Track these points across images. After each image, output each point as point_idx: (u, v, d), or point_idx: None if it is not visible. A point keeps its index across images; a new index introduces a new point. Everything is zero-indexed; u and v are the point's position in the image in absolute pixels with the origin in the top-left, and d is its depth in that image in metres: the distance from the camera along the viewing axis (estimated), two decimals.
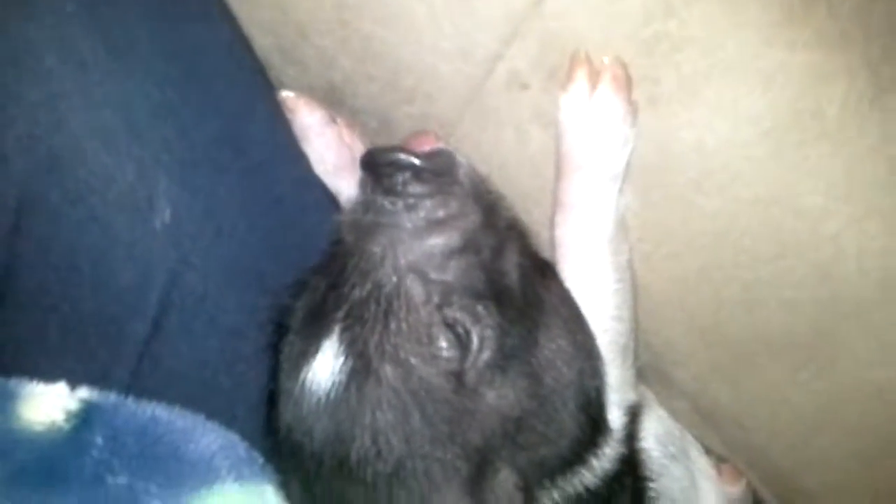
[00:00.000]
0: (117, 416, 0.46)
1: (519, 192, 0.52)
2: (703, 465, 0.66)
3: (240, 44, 0.53)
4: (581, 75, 0.47)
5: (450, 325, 0.44)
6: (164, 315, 0.48)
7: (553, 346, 0.49)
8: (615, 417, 0.53)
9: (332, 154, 0.57)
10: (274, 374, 0.48)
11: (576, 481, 0.51)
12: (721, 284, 0.53)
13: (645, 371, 0.61)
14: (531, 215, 0.53)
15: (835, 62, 0.45)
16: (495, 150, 0.52)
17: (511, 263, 0.48)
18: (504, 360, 0.46)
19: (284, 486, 0.49)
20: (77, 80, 0.45)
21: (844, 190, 0.48)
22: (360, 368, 0.44)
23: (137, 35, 0.46)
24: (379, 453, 0.43)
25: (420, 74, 0.51)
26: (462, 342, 0.44)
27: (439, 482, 0.44)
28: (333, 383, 0.44)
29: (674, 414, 0.64)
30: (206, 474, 0.46)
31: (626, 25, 0.46)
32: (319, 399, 0.44)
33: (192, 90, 0.48)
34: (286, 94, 0.56)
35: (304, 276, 0.48)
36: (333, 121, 0.57)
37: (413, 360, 0.44)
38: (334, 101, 0.55)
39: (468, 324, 0.44)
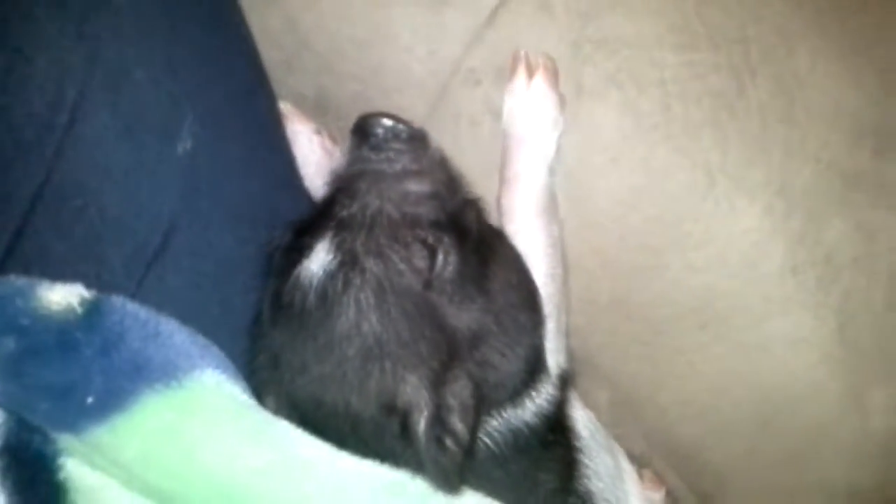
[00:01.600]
0: (126, 309, 0.52)
1: (473, 172, 0.65)
2: (627, 467, 0.74)
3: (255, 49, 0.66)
4: (521, 70, 0.61)
5: (420, 241, 0.55)
6: (173, 233, 0.55)
7: (504, 282, 0.59)
8: (551, 365, 0.62)
9: (315, 158, 0.69)
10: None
11: (517, 413, 0.60)
12: (635, 252, 0.65)
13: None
14: (483, 192, 0.65)
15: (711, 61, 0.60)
16: (455, 138, 0.65)
17: (469, 219, 0.60)
18: (462, 283, 0.55)
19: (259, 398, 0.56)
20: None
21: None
22: (347, 261, 0.53)
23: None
24: (359, 330, 0.53)
25: (396, 74, 0.64)
26: (429, 256, 0.55)
27: (406, 367, 0.53)
28: (324, 271, 0.53)
29: (597, 411, 0.73)
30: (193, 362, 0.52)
31: (556, 32, 0.61)
32: (310, 283, 0.54)
33: (225, 54, 0.60)
34: (284, 104, 0.69)
35: (295, 219, 0.60)
36: (319, 132, 0.70)
37: (392, 258, 0.53)
38: (323, 104, 0.68)
39: (434, 242, 0.55)
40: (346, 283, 0.53)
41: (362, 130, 0.58)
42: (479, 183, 0.63)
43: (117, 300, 0.53)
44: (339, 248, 0.54)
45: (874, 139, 0.60)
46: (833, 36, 0.59)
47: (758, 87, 0.60)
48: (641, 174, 0.62)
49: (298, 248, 0.56)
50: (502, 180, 0.63)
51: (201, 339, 0.53)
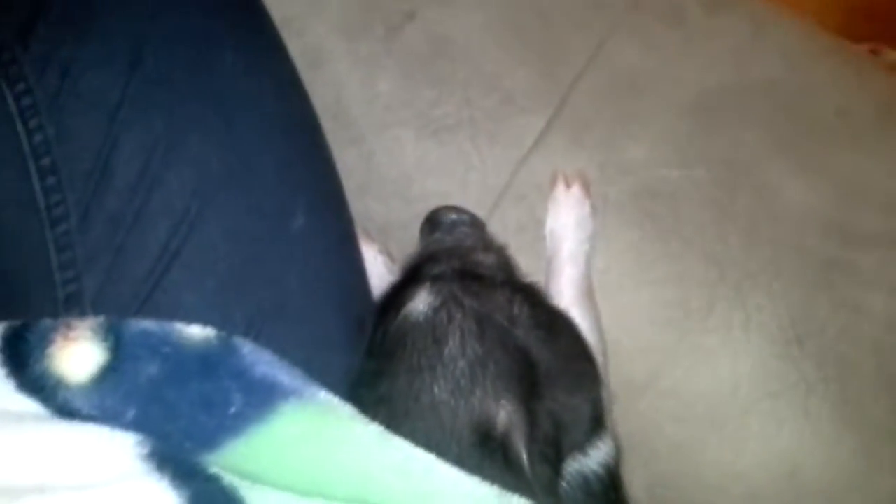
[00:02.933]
0: (252, 346, 0.58)
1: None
2: None
3: None
4: (560, 181, 0.76)
5: (505, 287, 0.66)
6: (288, 297, 0.65)
7: (567, 337, 0.69)
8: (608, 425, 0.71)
9: (377, 272, 0.79)
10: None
11: (584, 459, 0.67)
12: (662, 332, 0.76)
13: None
14: None
15: None
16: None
17: (531, 289, 0.71)
18: (537, 327, 0.66)
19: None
20: None
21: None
22: (448, 299, 0.63)
23: None
24: (463, 353, 0.61)
25: (454, 197, 0.78)
26: (507, 303, 0.65)
27: (505, 391, 0.61)
28: (430, 307, 0.63)
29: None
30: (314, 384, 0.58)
31: (586, 157, 0.77)
32: (418, 318, 0.63)
33: (325, 160, 0.72)
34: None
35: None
36: (383, 252, 0.81)
37: (484, 298, 0.64)
38: (387, 227, 0.81)
39: (509, 294, 0.66)
40: (451, 316, 0.63)
41: (433, 220, 0.72)
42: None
43: (243, 340, 0.60)
44: (439, 292, 0.64)
45: (839, 232, 0.76)
46: (796, 156, 0.78)
47: (744, 194, 0.77)
48: (662, 263, 0.76)
49: (395, 304, 0.66)
50: (550, 271, 0.75)
51: None
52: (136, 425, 0.55)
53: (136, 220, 0.62)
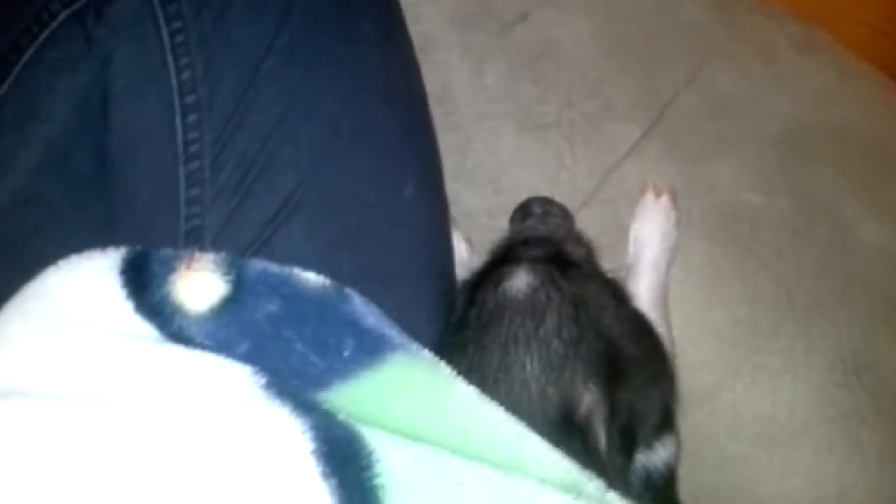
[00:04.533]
0: (361, 297, 0.60)
1: None
2: None
3: None
4: (650, 190, 0.79)
5: (600, 281, 0.69)
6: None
7: (644, 332, 0.72)
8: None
9: (458, 258, 0.83)
10: None
11: (651, 455, 0.70)
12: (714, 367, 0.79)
13: None
14: None
15: None
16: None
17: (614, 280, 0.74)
18: (620, 318, 0.68)
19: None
20: None
21: None
22: (547, 281, 0.65)
23: None
24: (559, 335, 0.63)
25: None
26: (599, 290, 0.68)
27: (592, 376, 0.63)
28: (530, 286, 0.65)
29: None
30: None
31: (675, 172, 0.81)
32: (518, 295, 0.65)
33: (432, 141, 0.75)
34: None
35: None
36: (468, 241, 0.84)
37: (579, 283, 0.67)
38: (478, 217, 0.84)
39: (600, 283, 0.69)
40: (549, 297, 0.66)
41: (526, 208, 0.75)
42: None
43: (354, 292, 0.63)
44: (538, 273, 0.67)
45: None
46: (870, 197, 0.82)
47: (821, 227, 0.80)
48: (737, 282, 0.79)
49: (490, 280, 0.68)
50: (630, 274, 0.78)
51: None
52: (247, 359, 0.57)
53: (265, 167, 0.64)
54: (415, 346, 0.60)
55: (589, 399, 0.63)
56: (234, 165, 0.64)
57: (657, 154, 0.81)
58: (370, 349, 0.59)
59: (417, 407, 0.58)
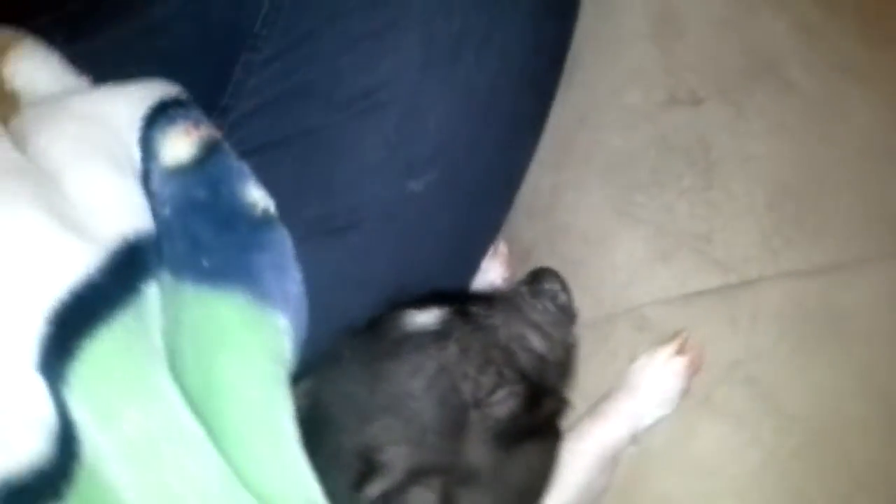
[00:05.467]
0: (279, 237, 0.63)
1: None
2: None
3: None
4: (676, 342, 0.66)
5: (499, 372, 0.61)
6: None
7: (530, 469, 0.63)
8: None
9: (493, 273, 0.78)
10: None
11: None
12: None
13: None
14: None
15: None
16: (590, 353, 0.70)
17: (551, 402, 0.65)
18: (501, 434, 0.60)
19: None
20: None
21: None
22: (442, 335, 0.61)
23: None
24: (407, 386, 0.59)
25: (592, 276, 0.72)
26: (495, 385, 0.60)
27: (411, 441, 0.58)
28: (422, 326, 0.61)
29: None
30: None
31: (726, 346, 0.66)
32: (405, 326, 0.62)
33: None
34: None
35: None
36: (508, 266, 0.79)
37: (472, 360, 0.60)
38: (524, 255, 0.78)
39: (508, 380, 0.61)
40: (425, 347, 0.61)
41: (537, 278, 0.67)
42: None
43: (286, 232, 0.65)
44: (446, 323, 0.62)
45: None
46: None
47: None
48: None
49: (419, 304, 0.64)
50: (594, 411, 0.67)
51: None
52: (161, 220, 0.63)
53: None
54: (275, 314, 0.61)
55: (393, 457, 0.58)
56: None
57: (719, 317, 0.66)
58: (226, 278, 0.61)
59: (211, 345, 0.59)
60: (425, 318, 0.63)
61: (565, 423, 0.68)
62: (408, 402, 0.60)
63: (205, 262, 0.61)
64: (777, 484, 0.62)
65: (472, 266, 0.76)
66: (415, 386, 0.60)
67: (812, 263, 0.66)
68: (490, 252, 0.78)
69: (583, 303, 0.71)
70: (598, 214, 0.73)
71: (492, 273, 0.78)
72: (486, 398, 0.61)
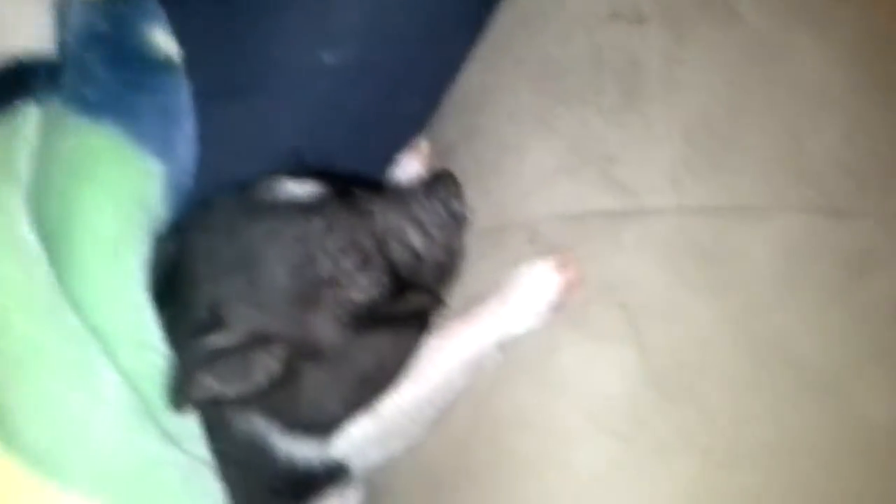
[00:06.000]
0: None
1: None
2: None
3: None
4: (559, 258, 0.64)
5: (366, 257, 0.61)
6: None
7: (378, 353, 0.63)
8: (340, 439, 0.64)
9: (410, 168, 0.77)
10: None
11: (273, 431, 0.63)
12: None
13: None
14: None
15: None
16: (479, 255, 0.69)
17: (419, 297, 0.65)
18: (356, 313, 0.61)
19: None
20: None
21: None
22: (315, 207, 0.61)
23: None
24: (267, 245, 0.60)
25: (501, 178, 0.71)
26: (359, 267, 0.61)
27: (261, 303, 0.59)
28: (295, 197, 0.62)
29: None
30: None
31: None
32: (282, 192, 0.62)
33: None
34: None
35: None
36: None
37: (340, 240, 0.61)
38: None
39: (374, 267, 0.62)
40: (290, 217, 0.61)
41: (435, 179, 0.66)
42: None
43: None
44: (319, 198, 0.61)
45: None
46: None
47: None
48: None
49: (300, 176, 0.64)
50: (466, 312, 0.66)
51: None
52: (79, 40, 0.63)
53: None
54: (150, 158, 0.62)
55: (238, 314, 0.59)
56: None
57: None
58: (106, 112, 0.61)
59: (78, 175, 0.59)
60: (299, 189, 0.63)
61: (438, 322, 0.68)
62: (260, 265, 0.60)
63: (90, 94, 0.61)
64: (628, 411, 0.61)
65: (385, 157, 0.75)
66: (269, 251, 0.60)
67: (713, 202, 0.63)
68: (410, 148, 0.77)
69: (483, 208, 0.70)
70: (519, 120, 0.71)
71: (408, 169, 0.77)
72: (343, 279, 0.61)
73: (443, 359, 0.65)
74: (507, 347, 0.65)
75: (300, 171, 0.65)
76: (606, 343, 0.63)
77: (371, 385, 0.63)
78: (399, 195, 0.66)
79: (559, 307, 0.64)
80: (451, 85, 0.76)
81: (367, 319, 0.62)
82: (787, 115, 0.65)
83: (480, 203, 0.70)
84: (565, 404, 0.63)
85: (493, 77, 0.74)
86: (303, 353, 0.60)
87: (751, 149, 0.64)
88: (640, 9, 0.69)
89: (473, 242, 0.70)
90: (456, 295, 0.69)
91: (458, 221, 0.66)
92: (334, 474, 0.66)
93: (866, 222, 0.62)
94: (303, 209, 0.61)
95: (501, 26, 0.74)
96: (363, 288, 0.61)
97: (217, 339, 0.58)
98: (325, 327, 0.61)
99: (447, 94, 0.77)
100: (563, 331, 0.64)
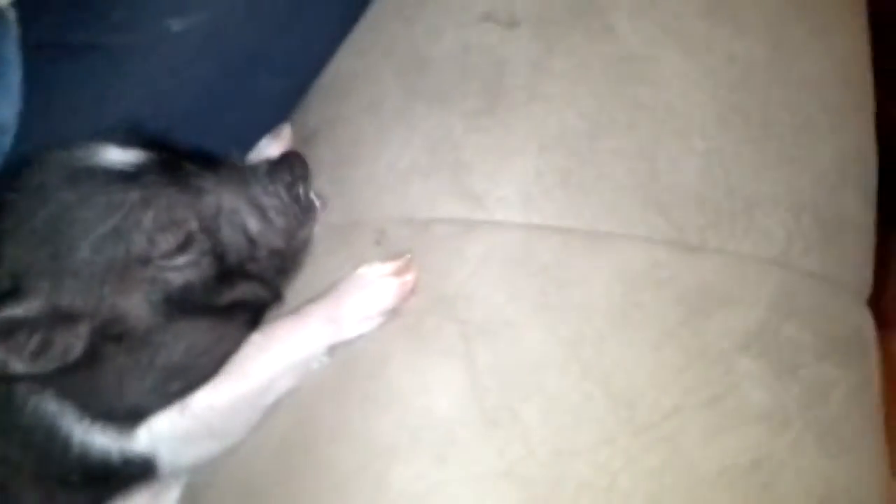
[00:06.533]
0: None
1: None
2: None
3: None
4: (395, 263, 0.61)
5: (189, 235, 0.57)
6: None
7: (192, 344, 0.59)
8: (142, 432, 0.60)
9: (268, 149, 0.72)
10: None
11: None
12: None
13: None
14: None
15: None
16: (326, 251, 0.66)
17: (248, 285, 0.61)
18: (174, 296, 0.57)
19: None
20: None
21: None
22: (130, 177, 0.57)
23: None
24: (75, 210, 0.56)
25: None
26: (180, 247, 0.57)
27: (65, 273, 0.55)
28: (114, 164, 0.57)
29: None
30: None
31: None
32: (100, 156, 0.58)
33: None
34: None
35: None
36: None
37: (161, 215, 0.56)
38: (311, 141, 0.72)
39: (196, 246, 0.58)
40: (104, 185, 0.56)
41: (283, 162, 0.62)
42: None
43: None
44: (141, 167, 0.57)
45: None
46: None
47: None
48: None
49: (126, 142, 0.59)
50: (295, 311, 0.63)
51: None
52: None
53: None
54: None
55: (40, 282, 0.55)
56: None
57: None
58: None
59: None
60: (119, 155, 0.58)
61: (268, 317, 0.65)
62: (67, 235, 0.55)
63: None
64: (450, 433, 0.58)
65: (240, 138, 0.71)
66: (77, 221, 0.55)
67: (560, 222, 0.61)
68: (271, 132, 0.73)
69: (336, 202, 0.67)
70: (380, 114, 0.68)
71: (268, 153, 0.72)
72: (158, 258, 0.57)
73: (267, 358, 0.61)
74: (336, 351, 0.62)
75: (131, 139, 0.60)
76: (437, 358, 0.60)
77: (181, 376, 0.59)
78: (239, 174, 0.62)
79: (393, 314, 0.61)
80: (319, 68, 0.72)
81: (184, 305, 0.58)
82: (646, 139, 0.63)
83: (333, 196, 0.67)
84: (389, 420, 0.59)
85: (361, 65, 0.71)
86: (107, 334, 0.56)
87: (605, 171, 0.62)
88: (515, 13, 0.66)
89: (322, 237, 0.66)
90: (296, 291, 0.66)
91: (302, 209, 0.63)
92: (139, 471, 0.62)
93: (711, 260, 0.60)
94: (120, 178, 0.56)
95: (377, 12, 0.71)
96: (180, 270, 0.57)
97: (14, 310, 0.54)
98: (133, 308, 0.57)
99: (314, 77, 0.73)
100: (397, 341, 0.61)
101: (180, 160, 0.59)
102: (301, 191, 0.62)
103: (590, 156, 0.62)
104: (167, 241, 0.56)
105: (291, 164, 0.62)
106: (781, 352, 0.59)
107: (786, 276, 0.61)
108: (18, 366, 0.53)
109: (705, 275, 0.60)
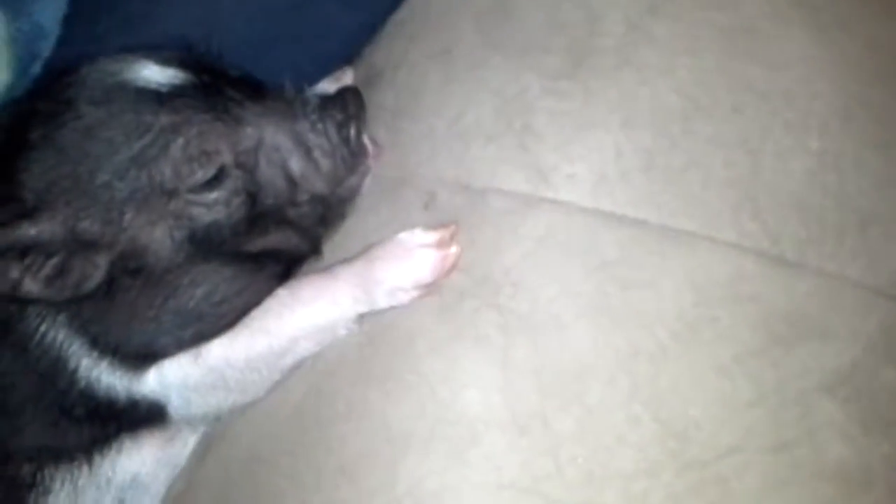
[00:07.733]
0: None
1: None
2: None
3: None
4: (444, 233, 0.54)
5: (221, 169, 0.53)
6: None
7: (216, 288, 0.55)
8: (151, 375, 0.57)
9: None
10: None
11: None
12: None
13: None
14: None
15: None
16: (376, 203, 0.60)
17: (286, 233, 0.57)
18: (205, 230, 0.53)
19: None
20: None
21: None
22: (165, 99, 0.53)
23: None
24: (109, 131, 0.52)
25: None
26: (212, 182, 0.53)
27: (87, 198, 0.52)
28: (156, 82, 0.53)
29: None
30: None
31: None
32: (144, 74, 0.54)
33: None
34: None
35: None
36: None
37: (192, 143, 0.52)
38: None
39: (233, 184, 0.53)
40: (132, 104, 0.52)
41: (338, 98, 0.56)
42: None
43: None
44: (177, 89, 0.53)
45: None
46: None
47: None
48: None
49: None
50: (327, 270, 0.57)
51: None
52: None
53: None
54: None
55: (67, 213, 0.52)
56: None
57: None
58: None
59: None
60: (156, 73, 0.53)
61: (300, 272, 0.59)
62: (88, 157, 0.51)
63: None
64: (471, 435, 0.51)
65: (296, 72, 0.64)
66: (101, 142, 0.51)
67: (635, 213, 0.52)
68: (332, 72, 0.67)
69: (388, 153, 0.61)
70: (450, 62, 0.60)
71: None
72: (184, 191, 0.52)
73: (290, 318, 0.56)
74: (365, 320, 0.56)
75: (172, 58, 0.55)
76: (471, 347, 0.53)
77: (196, 322, 0.55)
78: (286, 107, 0.56)
79: (430, 289, 0.55)
80: (395, 2, 0.65)
81: (209, 246, 0.54)
82: (751, 128, 0.53)
83: (386, 146, 0.60)
84: (409, 405, 0.54)
85: (439, 3, 0.63)
86: (124, 266, 0.53)
87: (697, 159, 0.53)
88: None
89: (368, 189, 0.60)
90: (333, 246, 0.60)
91: (352, 153, 0.57)
92: (147, 414, 0.58)
93: (808, 281, 0.51)
94: (153, 98, 0.52)
95: None
96: (208, 207, 0.53)
97: (29, 229, 0.51)
98: (153, 242, 0.53)
99: (389, 12, 0.66)
100: (429, 320, 0.55)
101: (224, 86, 0.54)
102: (353, 132, 0.56)
103: (681, 139, 0.53)
104: (195, 174, 0.52)
105: (346, 102, 0.56)
106: (875, 401, 0.50)
107: (894, 311, 0.52)
108: (32, 287, 0.51)
109: (797, 297, 0.51)
